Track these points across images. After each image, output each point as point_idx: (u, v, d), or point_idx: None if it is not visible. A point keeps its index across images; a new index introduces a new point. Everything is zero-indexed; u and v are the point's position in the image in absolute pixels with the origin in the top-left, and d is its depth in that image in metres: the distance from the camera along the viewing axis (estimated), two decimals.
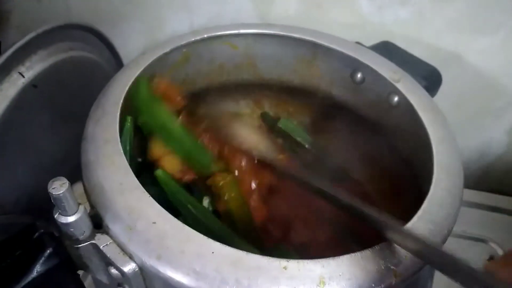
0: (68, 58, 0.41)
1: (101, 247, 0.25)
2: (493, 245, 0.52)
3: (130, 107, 0.33)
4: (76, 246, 0.25)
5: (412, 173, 0.35)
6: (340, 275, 0.23)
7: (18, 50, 0.36)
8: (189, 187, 0.36)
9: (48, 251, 0.24)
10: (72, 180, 0.28)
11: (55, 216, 0.24)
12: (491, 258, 0.51)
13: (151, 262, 0.23)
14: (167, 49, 0.36)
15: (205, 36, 0.39)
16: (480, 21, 0.48)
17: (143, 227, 0.24)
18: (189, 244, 0.23)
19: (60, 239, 0.25)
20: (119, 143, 0.28)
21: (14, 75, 0.37)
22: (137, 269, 0.24)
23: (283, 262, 0.23)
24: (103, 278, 0.27)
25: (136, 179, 0.26)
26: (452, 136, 0.32)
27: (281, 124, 0.43)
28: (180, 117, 0.36)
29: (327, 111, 0.43)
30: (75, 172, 0.28)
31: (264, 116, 0.45)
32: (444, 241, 0.26)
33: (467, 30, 0.48)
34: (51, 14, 0.58)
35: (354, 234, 0.32)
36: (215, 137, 0.37)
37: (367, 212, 0.26)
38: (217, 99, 0.43)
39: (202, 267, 0.23)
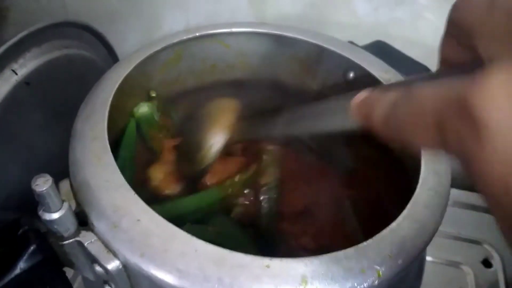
0: (62, 56, 0.41)
1: (85, 244, 0.25)
2: (487, 247, 0.52)
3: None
4: (60, 243, 0.25)
5: (402, 173, 0.34)
6: (322, 273, 0.23)
7: (11, 47, 0.36)
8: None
9: (32, 247, 0.24)
10: (63, 178, 0.28)
11: (39, 212, 0.24)
12: (485, 260, 0.51)
13: (135, 260, 0.23)
14: (159, 47, 0.37)
15: (197, 34, 0.39)
16: None
17: (127, 225, 0.24)
18: (173, 242, 0.23)
19: (45, 236, 0.25)
20: (107, 141, 0.28)
21: (7, 72, 0.37)
22: (121, 267, 0.24)
23: (266, 261, 0.23)
24: (89, 275, 0.27)
25: (122, 176, 0.26)
26: None
27: None
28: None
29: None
30: (67, 170, 0.28)
31: None
32: (429, 241, 0.26)
33: None
34: (48, 12, 0.58)
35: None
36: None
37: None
38: (209, 98, 0.43)
39: (185, 265, 0.23)
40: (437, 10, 0.48)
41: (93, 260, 0.25)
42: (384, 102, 0.19)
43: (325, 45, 0.39)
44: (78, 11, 0.58)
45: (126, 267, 0.24)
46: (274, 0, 0.53)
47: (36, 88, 0.39)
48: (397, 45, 0.44)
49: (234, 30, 0.39)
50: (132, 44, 0.58)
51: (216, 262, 0.23)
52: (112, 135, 0.29)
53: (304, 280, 0.22)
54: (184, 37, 0.38)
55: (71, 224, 0.25)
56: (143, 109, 0.39)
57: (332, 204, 0.36)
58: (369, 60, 0.38)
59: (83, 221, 0.26)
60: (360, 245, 0.24)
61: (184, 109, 0.42)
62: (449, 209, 0.28)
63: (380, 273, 0.23)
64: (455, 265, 0.50)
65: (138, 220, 0.24)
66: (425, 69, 0.39)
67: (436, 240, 0.26)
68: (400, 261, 0.24)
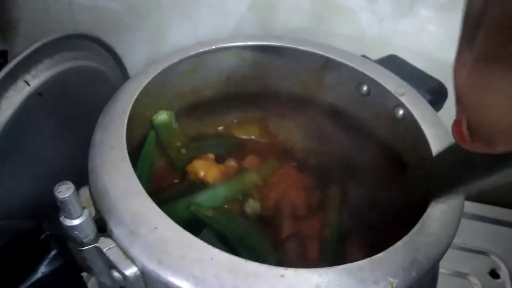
0: (73, 67, 0.42)
1: (104, 250, 0.25)
2: (494, 258, 0.51)
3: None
4: (80, 248, 0.25)
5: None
6: (336, 284, 0.23)
7: (24, 59, 0.37)
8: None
9: (53, 252, 0.24)
10: (76, 187, 0.29)
11: (61, 218, 0.24)
12: (493, 271, 0.50)
13: (152, 267, 0.24)
14: (176, 60, 0.37)
15: (213, 47, 0.39)
16: None
17: (145, 232, 0.25)
18: (189, 250, 0.24)
19: (65, 241, 0.25)
20: (125, 149, 0.29)
21: (20, 83, 0.37)
22: (138, 273, 0.25)
23: (281, 270, 0.23)
24: (106, 281, 0.28)
25: (140, 184, 0.27)
26: None
27: None
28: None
29: (333, 122, 0.43)
30: (79, 178, 0.29)
31: None
32: (443, 254, 0.26)
33: None
34: (57, 24, 0.59)
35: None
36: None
37: None
38: (223, 109, 0.44)
39: (201, 272, 0.23)
40: (442, 22, 0.48)
41: (111, 266, 0.25)
42: None
43: (338, 59, 0.39)
44: (87, 23, 0.58)
45: (143, 273, 0.25)
46: (280, 12, 0.53)
47: (48, 98, 0.40)
48: (404, 57, 0.44)
49: (249, 43, 0.40)
50: (140, 56, 0.58)
51: (232, 270, 0.23)
52: (130, 144, 0.30)
53: None
54: (201, 50, 0.39)
55: (90, 231, 0.25)
56: (162, 117, 0.40)
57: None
58: (382, 74, 0.38)
59: (102, 227, 0.26)
60: (374, 257, 0.24)
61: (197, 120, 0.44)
62: None
63: (394, 285, 0.24)
64: (463, 276, 0.50)
65: (156, 227, 0.25)
66: (439, 83, 0.40)
67: None
68: (414, 274, 0.24)
